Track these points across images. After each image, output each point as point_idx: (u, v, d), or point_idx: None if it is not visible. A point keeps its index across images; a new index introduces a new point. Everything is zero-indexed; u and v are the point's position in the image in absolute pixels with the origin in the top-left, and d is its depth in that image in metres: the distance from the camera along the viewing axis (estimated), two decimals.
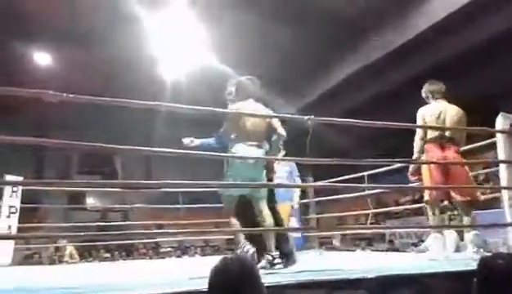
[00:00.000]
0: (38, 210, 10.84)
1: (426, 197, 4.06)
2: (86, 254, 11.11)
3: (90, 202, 14.40)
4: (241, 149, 3.52)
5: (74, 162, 14.92)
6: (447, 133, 4.03)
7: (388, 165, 6.09)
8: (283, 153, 5.30)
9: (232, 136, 3.67)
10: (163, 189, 8.35)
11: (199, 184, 3.79)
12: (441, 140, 3.98)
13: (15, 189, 6.00)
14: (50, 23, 8.62)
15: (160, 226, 10.06)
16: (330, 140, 9.47)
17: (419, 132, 4.10)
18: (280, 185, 5.51)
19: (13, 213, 5.97)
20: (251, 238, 3.54)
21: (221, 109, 3.58)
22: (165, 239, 11.04)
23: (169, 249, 12.66)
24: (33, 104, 7.86)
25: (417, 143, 4.09)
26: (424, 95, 4.32)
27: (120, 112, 10.88)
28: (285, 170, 5.63)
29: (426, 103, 4.28)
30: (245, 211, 3.65)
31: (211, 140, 4.00)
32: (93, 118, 11.28)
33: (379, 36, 9.23)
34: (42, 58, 10.25)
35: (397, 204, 10.96)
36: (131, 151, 2.86)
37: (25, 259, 10.21)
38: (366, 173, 6.73)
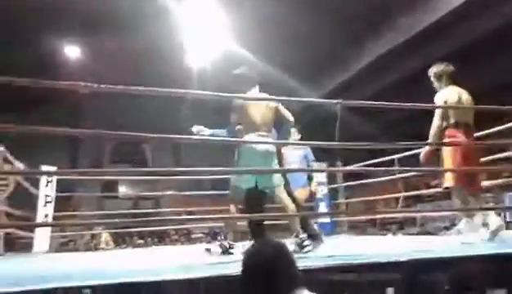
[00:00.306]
0: (72, 199, 11.14)
1: (447, 183, 3.86)
2: (120, 241, 11.38)
3: (122, 190, 14.71)
4: (251, 140, 3.50)
5: (106, 152, 15.21)
6: (467, 119, 3.88)
7: (419, 148, 5.98)
8: (298, 137, 5.26)
9: (239, 127, 3.66)
10: (192, 177, 8.46)
11: (226, 171, 3.82)
12: (465, 126, 3.84)
13: (50, 178, 6.22)
14: (81, 15, 8.83)
15: (191, 213, 10.19)
16: (355, 126, 9.41)
17: (437, 119, 3.86)
18: (304, 170, 5.45)
19: (49, 202, 6.19)
20: (254, 232, 3.71)
21: (243, 95, 3.59)
22: (196, 226, 11.16)
23: (200, 235, 12.82)
24: (69, 95, 8.10)
25: (435, 131, 3.87)
26: (434, 76, 4.06)
27: (150, 101, 11.07)
28: (298, 154, 5.29)
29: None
30: (253, 203, 3.68)
31: (223, 131, 3.91)
32: (126, 108, 11.48)
33: (400, 21, 9.07)
34: (74, 51, 10.56)
35: (429, 187, 10.73)
36: (162, 139, 2.90)
37: (61, 246, 10.55)
38: (395, 156, 6.65)
